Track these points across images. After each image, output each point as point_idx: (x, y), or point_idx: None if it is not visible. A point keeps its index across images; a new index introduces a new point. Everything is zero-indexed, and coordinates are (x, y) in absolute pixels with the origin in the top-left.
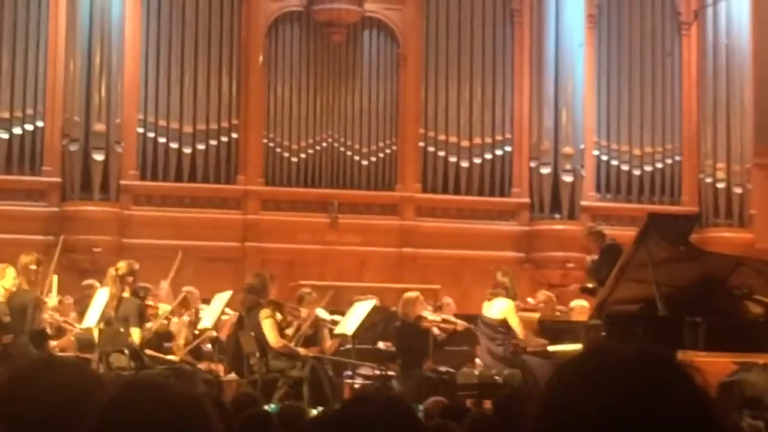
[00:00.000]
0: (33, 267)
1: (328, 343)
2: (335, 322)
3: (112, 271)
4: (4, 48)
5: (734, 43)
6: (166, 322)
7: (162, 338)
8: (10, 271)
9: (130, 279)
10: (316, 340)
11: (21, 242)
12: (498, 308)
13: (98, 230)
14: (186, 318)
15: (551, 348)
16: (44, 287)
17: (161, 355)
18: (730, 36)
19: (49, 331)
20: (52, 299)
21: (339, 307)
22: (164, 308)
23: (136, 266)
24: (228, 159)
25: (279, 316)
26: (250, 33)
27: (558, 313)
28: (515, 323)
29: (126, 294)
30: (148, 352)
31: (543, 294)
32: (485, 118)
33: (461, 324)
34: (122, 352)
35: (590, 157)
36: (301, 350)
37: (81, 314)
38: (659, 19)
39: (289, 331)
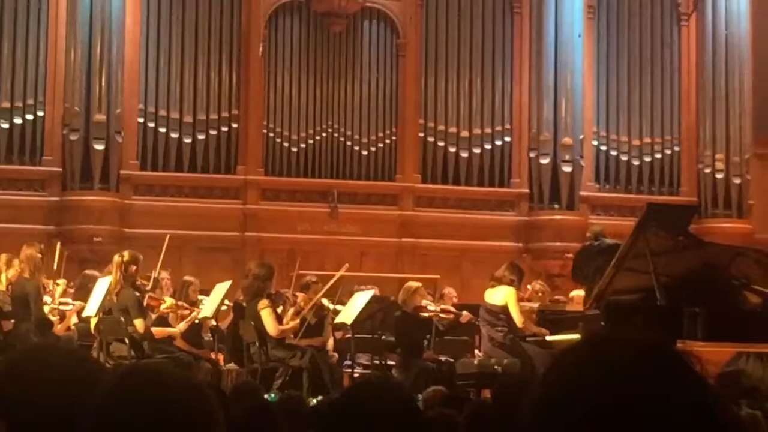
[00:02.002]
0: (39, 255)
1: (330, 340)
2: (337, 312)
3: (117, 257)
4: (5, 38)
5: (733, 33)
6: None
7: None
8: (17, 263)
9: (133, 268)
10: (320, 330)
11: (21, 232)
12: (500, 295)
13: (98, 220)
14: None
15: (550, 338)
16: (52, 274)
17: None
18: (729, 26)
19: (51, 317)
20: (60, 286)
21: (339, 297)
22: (169, 301)
23: (141, 257)
24: (228, 149)
25: (280, 309)
26: (250, 23)
27: (549, 303)
28: (514, 311)
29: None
30: (156, 330)
31: (537, 284)
32: (485, 108)
33: (465, 315)
34: (123, 341)
35: (589, 148)
36: (302, 342)
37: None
38: (658, 10)
39: (288, 316)
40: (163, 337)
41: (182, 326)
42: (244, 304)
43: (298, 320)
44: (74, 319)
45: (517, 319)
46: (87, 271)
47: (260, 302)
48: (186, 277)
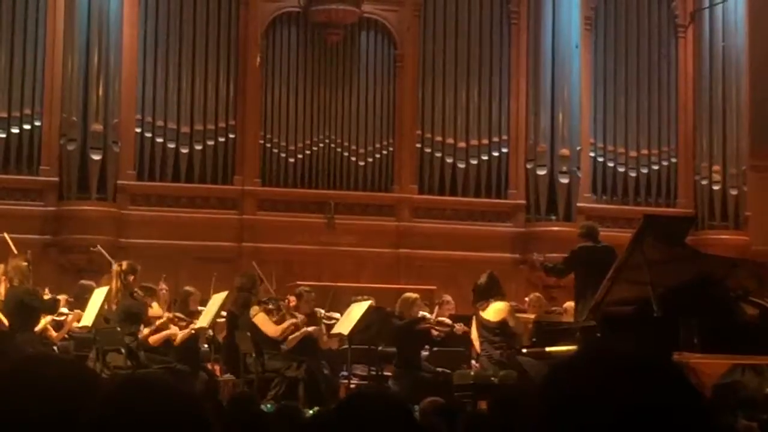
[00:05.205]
0: (24, 264)
1: (325, 339)
2: (330, 318)
3: (116, 267)
4: (2, 47)
5: (730, 45)
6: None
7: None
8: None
9: (131, 278)
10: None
11: (18, 242)
12: (494, 311)
13: (95, 230)
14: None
15: (549, 349)
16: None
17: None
18: (726, 38)
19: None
20: (60, 300)
21: (336, 308)
22: (165, 316)
23: (139, 267)
24: (225, 159)
25: (275, 315)
26: (247, 33)
27: (545, 314)
28: (514, 324)
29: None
30: (153, 338)
31: (533, 295)
32: (482, 119)
33: (459, 327)
34: (119, 351)
35: (586, 159)
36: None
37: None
38: (656, 22)
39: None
40: (161, 343)
41: (183, 334)
42: (237, 313)
43: (296, 320)
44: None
45: (518, 331)
46: (83, 281)
47: (251, 310)
48: (186, 288)
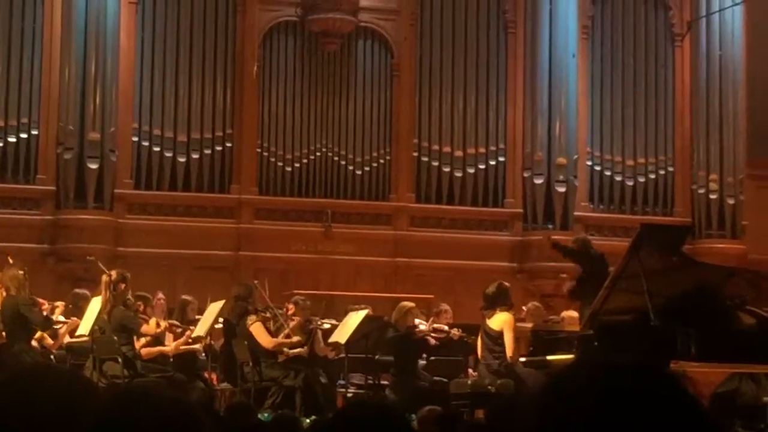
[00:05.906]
0: (21, 272)
1: (321, 345)
2: (325, 324)
3: (105, 277)
4: None
5: (727, 54)
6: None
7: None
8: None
9: (122, 286)
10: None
11: (15, 251)
12: (497, 320)
13: (92, 239)
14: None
15: (549, 357)
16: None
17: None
18: (723, 47)
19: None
20: (59, 309)
21: (332, 317)
22: (162, 325)
23: (128, 275)
24: (222, 168)
25: (272, 324)
26: (244, 42)
27: (543, 323)
28: (508, 340)
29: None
30: (146, 350)
31: (532, 304)
32: (479, 128)
33: (455, 332)
34: (116, 361)
35: (583, 168)
36: (296, 350)
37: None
38: (653, 30)
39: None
40: (155, 356)
41: (178, 343)
42: (234, 322)
43: (293, 338)
44: (67, 338)
45: (509, 349)
46: (77, 290)
47: (248, 318)
48: (184, 296)
